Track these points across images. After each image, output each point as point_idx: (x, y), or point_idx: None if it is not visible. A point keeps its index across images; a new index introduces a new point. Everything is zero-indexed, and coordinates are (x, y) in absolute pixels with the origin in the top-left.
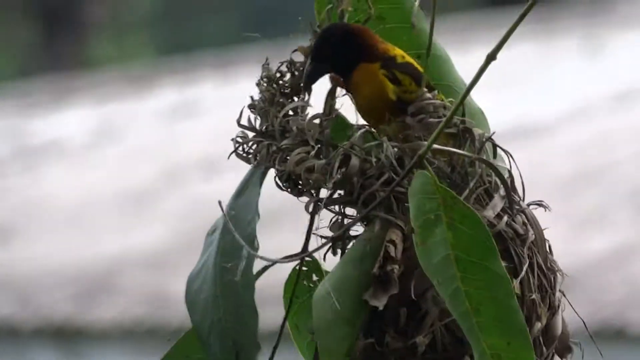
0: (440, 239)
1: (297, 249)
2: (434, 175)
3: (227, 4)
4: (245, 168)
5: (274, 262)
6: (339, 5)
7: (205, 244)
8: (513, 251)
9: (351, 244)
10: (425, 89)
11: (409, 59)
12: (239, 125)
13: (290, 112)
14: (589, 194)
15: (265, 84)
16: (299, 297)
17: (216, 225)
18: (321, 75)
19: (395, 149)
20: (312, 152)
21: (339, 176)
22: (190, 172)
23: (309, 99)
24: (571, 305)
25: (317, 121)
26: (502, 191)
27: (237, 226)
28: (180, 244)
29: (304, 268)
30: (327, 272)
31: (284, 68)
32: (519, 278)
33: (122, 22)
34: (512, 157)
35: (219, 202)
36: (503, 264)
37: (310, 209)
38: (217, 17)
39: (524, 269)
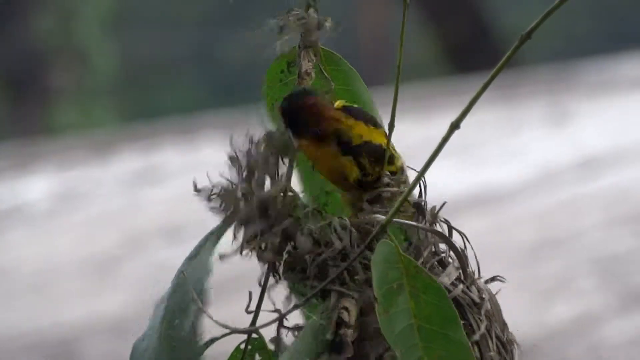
0: (402, 308)
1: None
2: (397, 244)
3: (190, 71)
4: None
5: (220, 337)
6: (300, 82)
7: (155, 311)
8: (470, 316)
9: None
10: (388, 172)
11: (367, 136)
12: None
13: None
14: (553, 262)
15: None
16: None
17: (165, 296)
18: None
19: (347, 223)
20: (267, 229)
21: (288, 256)
22: (153, 238)
23: (278, 177)
24: None
25: (275, 191)
26: (456, 263)
27: (187, 285)
28: (143, 310)
29: (248, 346)
30: (272, 352)
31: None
32: (476, 340)
33: (86, 88)
34: (466, 237)
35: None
36: None
37: (263, 283)
38: (180, 85)
39: (481, 329)
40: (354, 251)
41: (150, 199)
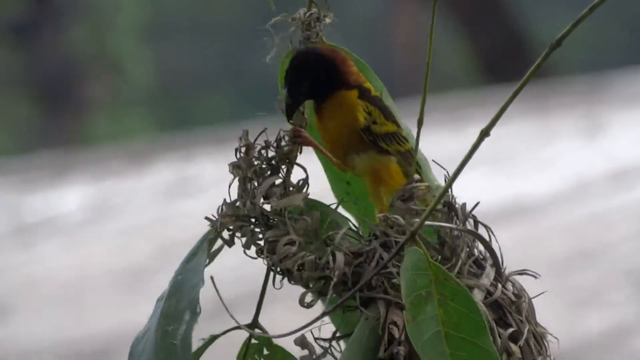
0: (431, 315)
1: (294, 326)
2: (426, 251)
3: (225, 80)
4: (238, 246)
5: (218, 335)
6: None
7: (154, 309)
8: (510, 317)
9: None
10: (417, 176)
11: (375, 92)
12: (220, 214)
13: (271, 191)
14: (585, 273)
15: (243, 154)
16: None
17: (163, 296)
18: (299, 104)
19: (380, 233)
20: (298, 246)
21: (335, 278)
22: (187, 249)
23: (286, 177)
24: None
25: (299, 197)
26: (489, 260)
27: (182, 290)
28: None
29: (255, 341)
30: (278, 347)
31: (261, 144)
32: (519, 343)
33: (121, 99)
34: (491, 231)
35: (211, 277)
36: (502, 331)
37: (305, 301)
38: (215, 94)
39: (525, 333)
40: (385, 257)
41: (184, 211)
